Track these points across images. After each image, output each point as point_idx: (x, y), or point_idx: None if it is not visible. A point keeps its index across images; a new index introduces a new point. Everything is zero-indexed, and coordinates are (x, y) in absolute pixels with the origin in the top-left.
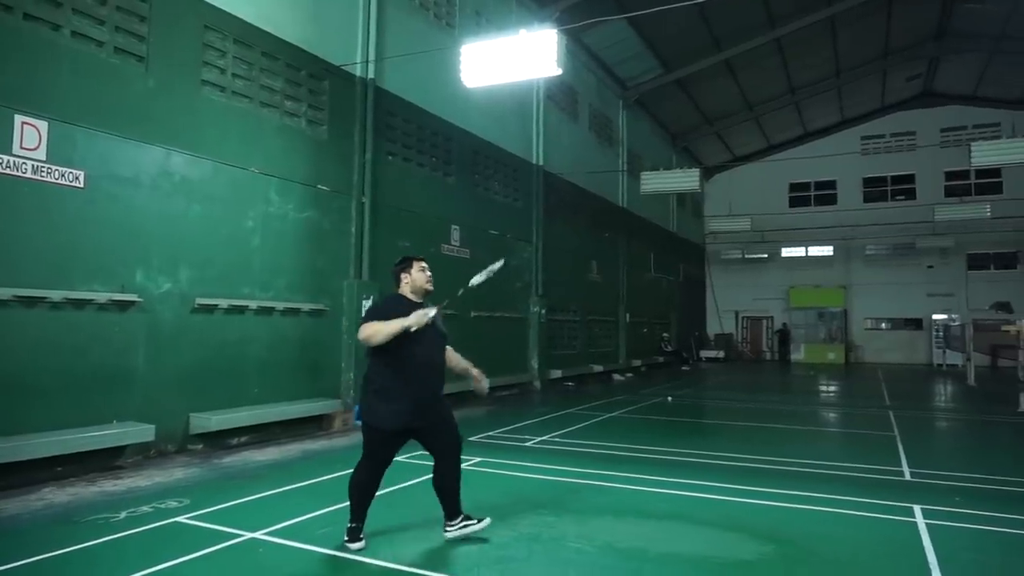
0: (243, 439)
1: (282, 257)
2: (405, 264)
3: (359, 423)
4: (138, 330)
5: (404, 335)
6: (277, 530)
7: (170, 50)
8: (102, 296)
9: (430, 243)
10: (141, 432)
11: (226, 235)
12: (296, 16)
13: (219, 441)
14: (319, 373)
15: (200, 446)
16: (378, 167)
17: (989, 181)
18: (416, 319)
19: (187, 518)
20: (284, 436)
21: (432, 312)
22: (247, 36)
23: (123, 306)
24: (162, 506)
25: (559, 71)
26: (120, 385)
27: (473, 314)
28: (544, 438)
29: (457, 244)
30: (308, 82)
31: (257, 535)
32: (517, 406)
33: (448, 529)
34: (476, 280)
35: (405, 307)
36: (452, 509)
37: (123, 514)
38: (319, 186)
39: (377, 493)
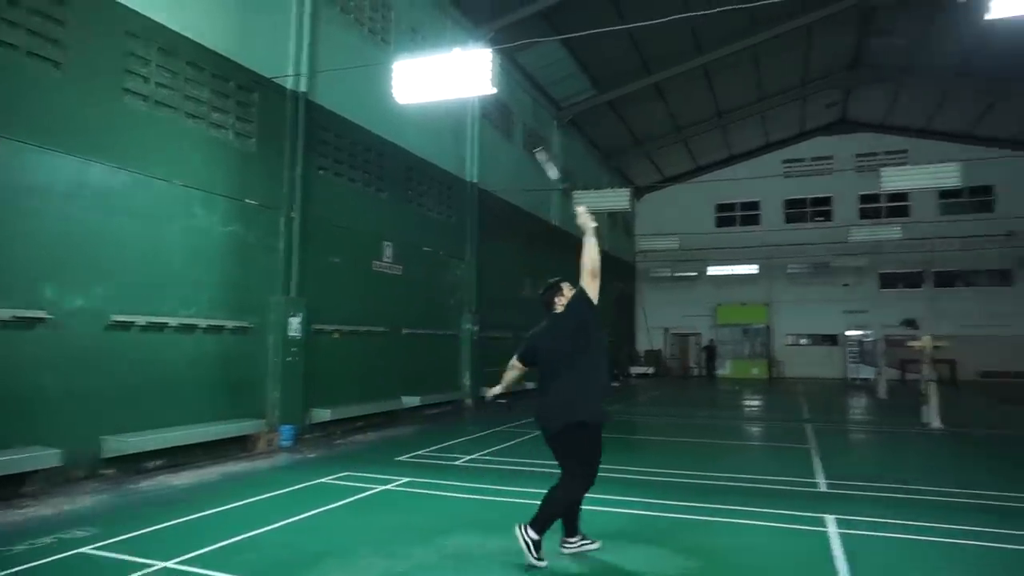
0: (159, 463)
1: (206, 273)
2: (555, 289)
3: (582, 426)
4: (46, 349)
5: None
6: (192, 558)
7: (89, 56)
8: (5, 313)
9: (362, 259)
10: (45, 457)
11: (146, 249)
12: (225, 26)
13: (133, 465)
14: (243, 392)
15: (112, 471)
16: (309, 182)
17: (898, 204)
18: (587, 218)
19: (93, 548)
20: (205, 458)
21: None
22: (172, 45)
23: (29, 323)
24: (66, 536)
25: (493, 90)
26: (25, 407)
27: (405, 331)
28: (475, 456)
29: (389, 260)
30: (237, 94)
31: (170, 564)
32: (448, 424)
33: (566, 546)
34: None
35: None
36: (572, 526)
37: (22, 546)
38: (246, 200)
39: None
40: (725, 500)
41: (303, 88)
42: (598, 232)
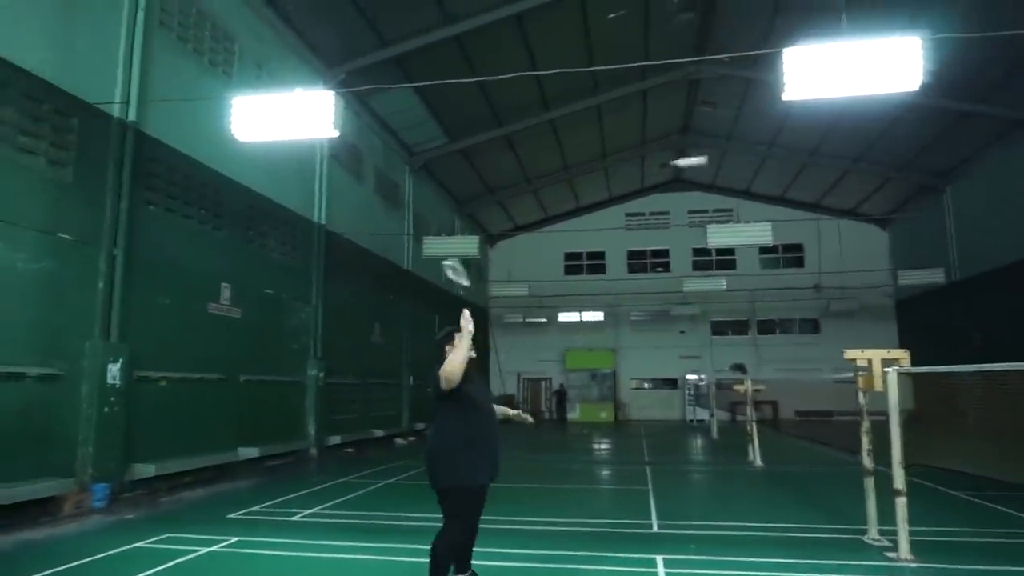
0: None
1: (7, 313)
2: (448, 338)
3: (444, 486)
4: None
5: (468, 391)
6: None
7: None
8: None
9: (196, 300)
10: None
11: None
12: (41, 46)
13: None
14: (48, 448)
15: None
16: (136, 217)
17: (726, 259)
18: (467, 321)
19: None
20: None
21: (468, 325)
22: None
23: None
24: None
25: (336, 133)
26: None
27: (243, 378)
28: (313, 510)
29: (227, 303)
30: (52, 117)
31: None
32: (289, 476)
33: None
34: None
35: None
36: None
37: None
38: (59, 234)
39: None
40: (564, 546)
41: (132, 117)
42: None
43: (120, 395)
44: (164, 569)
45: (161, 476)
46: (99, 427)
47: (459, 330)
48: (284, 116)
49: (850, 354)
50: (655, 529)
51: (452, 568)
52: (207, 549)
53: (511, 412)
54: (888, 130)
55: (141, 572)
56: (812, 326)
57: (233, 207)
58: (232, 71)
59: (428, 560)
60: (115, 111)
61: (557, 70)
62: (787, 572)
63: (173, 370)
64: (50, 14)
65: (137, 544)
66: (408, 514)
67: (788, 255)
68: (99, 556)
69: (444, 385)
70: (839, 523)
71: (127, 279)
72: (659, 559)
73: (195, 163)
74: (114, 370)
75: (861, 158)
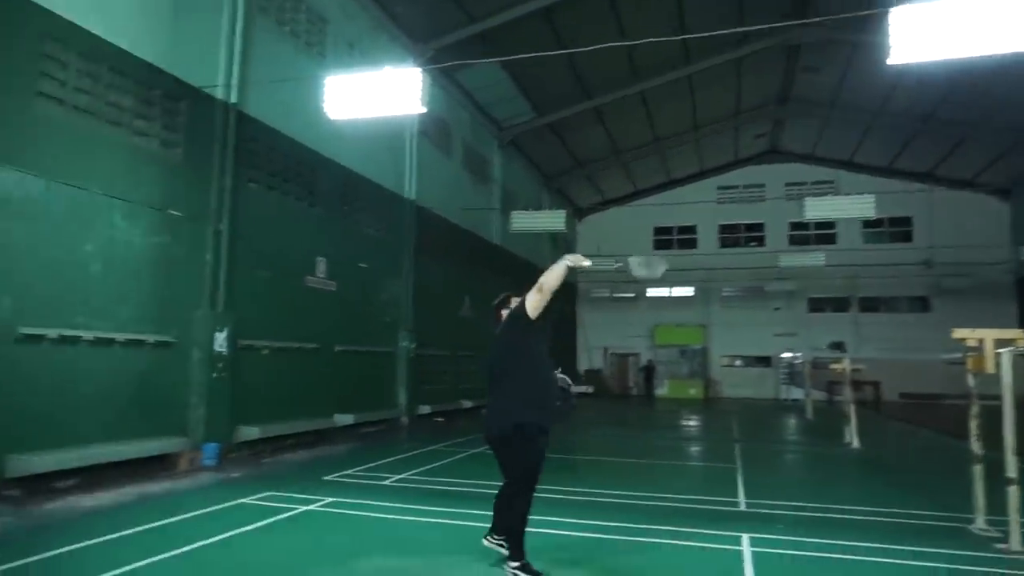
0: (71, 482)
1: (126, 285)
2: (503, 302)
3: (518, 432)
4: None
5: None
6: None
7: None
8: None
9: (294, 274)
10: None
11: (61, 260)
12: (153, 34)
13: (42, 485)
14: (165, 409)
15: (17, 491)
16: (238, 194)
17: (826, 232)
18: (573, 259)
19: None
20: (121, 478)
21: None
22: (94, 49)
23: None
24: None
25: (423, 110)
26: None
27: (338, 348)
28: (403, 476)
29: (323, 276)
30: (163, 102)
31: None
32: (381, 442)
33: (490, 540)
34: (636, 271)
35: None
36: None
37: None
38: (171, 211)
39: None
40: (648, 520)
41: (234, 99)
42: (574, 270)
43: (227, 362)
44: (266, 524)
45: (264, 439)
46: (209, 391)
47: (515, 294)
48: (374, 94)
49: (959, 333)
50: (742, 507)
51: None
52: (304, 508)
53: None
54: (1013, 92)
55: (245, 525)
56: (921, 304)
57: (328, 184)
58: (326, 51)
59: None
60: (219, 93)
61: (647, 40)
62: (884, 558)
63: (274, 339)
64: (161, 5)
65: (242, 500)
66: (491, 482)
67: (895, 229)
68: (209, 509)
69: (533, 305)
70: (943, 511)
71: (231, 253)
72: (745, 537)
73: (292, 142)
74: (221, 338)
75: (982, 123)
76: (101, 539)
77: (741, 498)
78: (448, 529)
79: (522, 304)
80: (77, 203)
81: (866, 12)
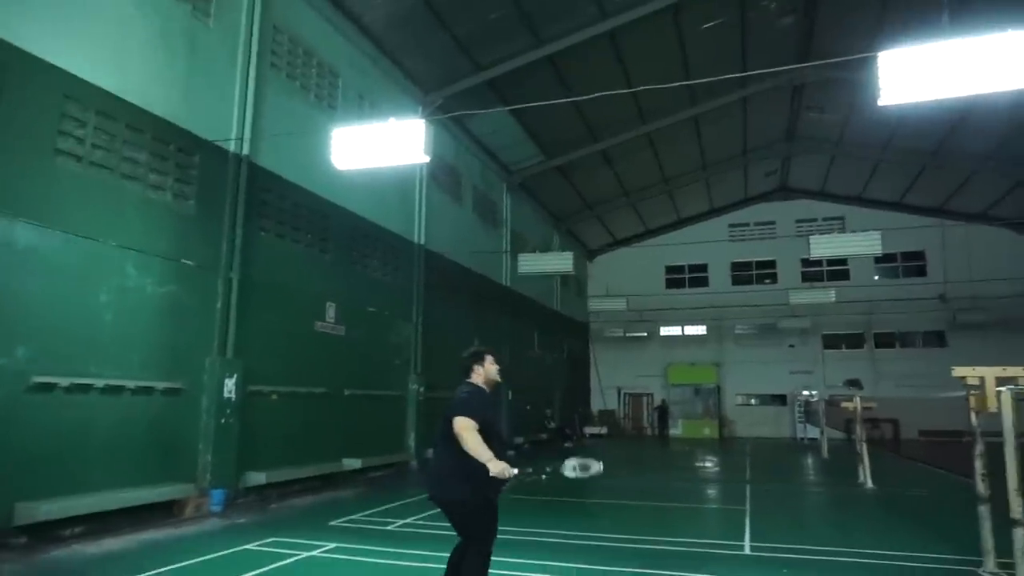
0: (78, 530)
1: (137, 333)
2: (478, 357)
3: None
4: None
5: (494, 430)
6: None
7: (20, 117)
8: None
9: (304, 320)
10: None
11: (74, 310)
12: (168, 92)
13: (48, 533)
14: (173, 456)
15: (23, 539)
16: (250, 243)
17: (838, 268)
18: (500, 470)
19: None
20: (128, 525)
21: (515, 471)
22: (111, 108)
23: None
24: None
25: (427, 159)
26: None
27: (347, 392)
28: (409, 520)
29: (333, 321)
30: (176, 156)
31: None
32: (389, 487)
33: None
34: (570, 473)
35: (489, 401)
36: None
37: None
38: (183, 260)
39: None
40: (652, 565)
41: (245, 151)
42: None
43: (235, 408)
44: (268, 570)
45: (272, 484)
46: (217, 437)
47: (490, 351)
48: (380, 144)
49: (959, 371)
50: (747, 551)
51: None
52: (307, 554)
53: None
54: (1022, 126)
55: (247, 572)
56: (937, 339)
57: (338, 231)
58: (336, 103)
59: None
60: (231, 146)
61: (652, 86)
62: None
63: (283, 384)
64: (176, 63)
65: (246, 546)
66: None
67: (908, 264)
68: (212, 556)
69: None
70: (954, 552)
71: (242, 300)
72: None
73: (303, 191)
74: (230, 384)
75: (991, 157)
76: None
77: (747, 541)
78: None
79: (454, 417)
80: (92, 255)
81: (863, 55)
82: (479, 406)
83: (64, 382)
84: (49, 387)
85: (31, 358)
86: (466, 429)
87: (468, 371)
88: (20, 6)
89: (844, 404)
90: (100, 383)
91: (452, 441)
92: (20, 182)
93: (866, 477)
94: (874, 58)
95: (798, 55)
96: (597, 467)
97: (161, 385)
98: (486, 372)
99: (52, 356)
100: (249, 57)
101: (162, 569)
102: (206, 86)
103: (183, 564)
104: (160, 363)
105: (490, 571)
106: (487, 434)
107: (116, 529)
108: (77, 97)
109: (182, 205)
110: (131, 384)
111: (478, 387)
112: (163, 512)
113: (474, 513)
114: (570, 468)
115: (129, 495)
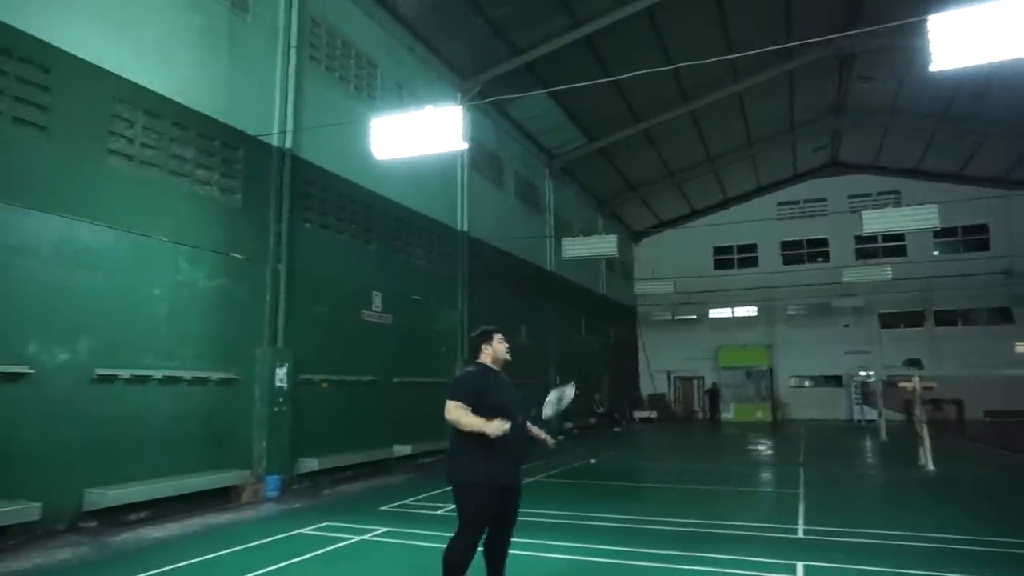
0: (142, 515)
1: (190, 326)
2: (485, 336)
3: (458, 484)
4: (29, 403)
5: (498, 406)
6: None
7: (75, 120)
8: None
9: (350, 309)
10: (25, 511)
11: (131, 304)
12: (211, 89)
13: (115, 518)
14: (229, 443)
15: (94, 523)
16: (295, 234)
17: (895, 244)
18: (496, 428)
19: None
20: (188, 510)
21: (508, 426)
22: (158, 107)
23: (12, 378)
24: None
25: (465, 145)
26: (7, 461)
27: (395, 380)
28: None
29: (379, 310)
30: (222, 151)
31: None
32: (438, 473)
33: None
34: (548, 412)
35: (492, 379)
36: None
37: None
38: (232, 254)
39: None
40: (702, 547)
41: (288, 144)
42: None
43: (287, 396)
44: (322, 554)
45: (324, 470)
46: (270, 425)
47: (498, 331)
48: (420, 133)
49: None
50: (800, 535)
51: None
52: (359, 537)
53: (534, 430)
54: None
55: (302, 555)
56: (1002, 315)
57: (381, 220)
58: (376, 93)
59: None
60: (274, 140)
61: (694, 62)
62: None
63: (332, 373)
64: (218, 60)
65: (301, 530)
66: (549, 510)
67: (970, 238)
68: (269, 540)
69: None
70: (1021, 537)
71: (289, 291)
72: (800, 566)
73: (345, 182)
74: (281, 374)
75: None
76: (166, 568)
77: (800, 524)
78: None
79: (449, 399)
80: (145, 250)
81: (916, 19)
82: (465, 387)
83: (124, 374)
84: (111, 379)
85: (93, 352)
86: (450, 411)
87: (477, 351)
88: (70, 14)
89: (903, 385)
90: (158, 374)
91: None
92: (76, 183)
93: (927, 459)
94: (926, 22)
95: (846, 23)
96: (570, 391)
97: (215, 375)
98: (494, 351)
99: (112, 349)
100: (288, 51)
101: (222, 552)
102: (247, 81)
103: (242, 547)
104: (213, 354)
105: (535, 554)
106: (491, 414)
107: (178, 514)
108: (126, 98)
109: (229, 199)
110: (187, 375)
111: (481, 367)
112: (221, 498)
113: (471, 495)
114: (549, 408)
115: (189, 482)
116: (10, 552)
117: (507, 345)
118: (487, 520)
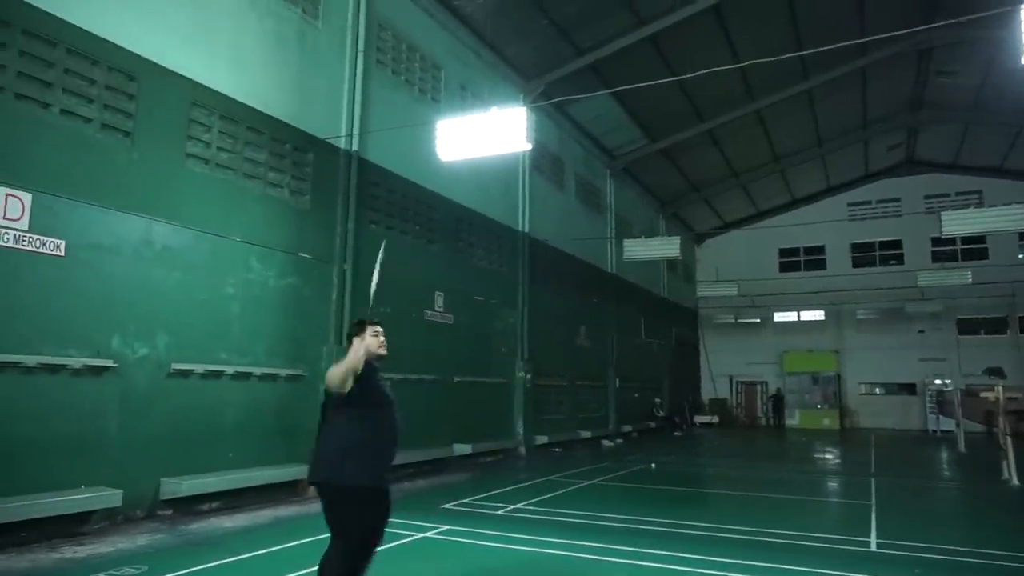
0: (215, 505)
1: (261, 323)
2: (359, 327)
3: (324, 489)
4: (112, 395)
5: (383, 402)
6: None
7: (156, 126)
8: (76, 361)
9: (413, 309)
10: (108, 497)
11: (205, 302)
12: (283, 93)
13: (189, 507)
14: (295, 438)
15: (170, 511)
16: (361, 235)
17: (975, 247)
18: (368, 344)
19: None
20: (257, 502)
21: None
22: (233, 112)
23: (97, 371)
24: (118, 573)
25: (529, 146)
26: (91, 449)
27: (456, 379)
28: (518, 506)
29: (441, 310)
30: (292, 154)
31: None
32: (498, 472)
33: None
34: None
35: (375, 371)
36: None
37: None
38: (300, 254)
39: None
40: (771, 558)
41: (355, 147)
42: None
43: None
44: (382, 550)
45: None
46: None
47: (373, 322)
48: (483, 134)
49: None
50: (873, 548)
51: None
52: (421, 535)
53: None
54: None
55: None
56: None
57: (444, 221)
58: (440, 96)
59: None
60: (341, 143)
61: (761, 59)
62: None
63: (395, 372)
64: (289, 65)
65: None
66: (608, 514)
67: None
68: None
69: (331, 388)
70: None
71: (355, 291)
72: None
73: (409, 183)
74: None
75: None
76: (237, 558)
77: (873, 537)
78: (563, 561)
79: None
80: (220, 250)
81: (1002, 9)
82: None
83: (199, 369)
84: (186, 373)
85: (170, 347)
86: (332, 372)
87: (349, 343)
88: (151, 22)
89: (984, 394)
90: (230, 370)
91: (344, 418)
92: (157, 185)
93: (1011, 473)
94: (1014, 12)
95: (924, 15)
96: (380, 255)
97: (284, 372)
98: (367, 344)
99: (188, 345)
100: (356, 55)
101: (289, 544)
102: (317, 86)
103: (308, 540)
104: (283, 351)
105: (593, 557)
106: (376, 409)
107: (247, 505)
108: (203, 103)
109: (299, 201)
110: (258, 371)
111: None
112: (288, 491)
113: (368, 502)
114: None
115: (258, 474)
116: (94, 536)
117: (382, 339)
118: (377, 531)
